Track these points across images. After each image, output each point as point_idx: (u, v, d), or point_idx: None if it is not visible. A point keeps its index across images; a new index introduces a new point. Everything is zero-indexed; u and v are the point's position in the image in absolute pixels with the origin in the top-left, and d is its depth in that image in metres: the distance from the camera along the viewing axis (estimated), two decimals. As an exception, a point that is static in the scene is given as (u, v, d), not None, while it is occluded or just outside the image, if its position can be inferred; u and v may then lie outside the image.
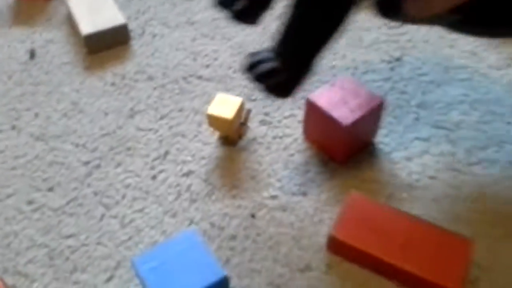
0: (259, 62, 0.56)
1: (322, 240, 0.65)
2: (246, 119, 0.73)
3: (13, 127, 0.75)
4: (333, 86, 0.72)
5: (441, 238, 0.62)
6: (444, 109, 0.78)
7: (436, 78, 0.82)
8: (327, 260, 0.63)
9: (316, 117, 0.71)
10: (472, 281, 0.60)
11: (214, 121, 0.71)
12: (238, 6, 0.51)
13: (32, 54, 0.85)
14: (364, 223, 0.63)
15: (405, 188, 0.70)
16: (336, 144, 0.71)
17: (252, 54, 0.58)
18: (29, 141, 0.74)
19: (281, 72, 0.54)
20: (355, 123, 0.68)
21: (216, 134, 0.74)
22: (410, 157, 0.73)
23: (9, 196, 0.68)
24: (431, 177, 0.70)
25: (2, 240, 0.64)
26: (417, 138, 0.75)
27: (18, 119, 0.76)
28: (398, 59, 0.85)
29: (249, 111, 0.74)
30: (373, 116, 0.71)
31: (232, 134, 0.73)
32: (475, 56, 0.85)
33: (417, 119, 0.77)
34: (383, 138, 0.75)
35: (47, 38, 0.87)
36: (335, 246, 0.63)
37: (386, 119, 0.77)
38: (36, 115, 0.77)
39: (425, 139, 0.74)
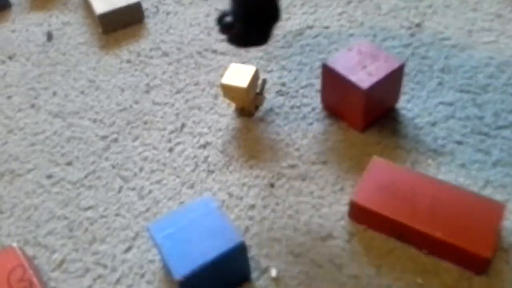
0: (223, 16, 0.63)
1: (344, 208, 0.63)
2: (262, 89, 0.72)
3: (32, 106, 0.76)
4: (350, 51, 0.70)
5: (471, 203, 0.59)
6: (469, 73, 0.75)
7: (460, 42, 0.79)
8: (349, 228, 0.61)
9: (334, 83, 0.69)
10: (506, 248, 0.57)
11: (229, 91, 0.69)
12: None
13: (50, 36, 0.85)
14: (388, 188, 0.61)
15: (430, 154, 0.67)
16: (355, 110, 0.69)
17: (222, 11, 0.64)
18: (47, 118, 0.74)
19: (235, 25, 0.60)
20: (374, 87, 0.65)
21: (232, 106, 0.73)
22: (435, 122, 0.70)
23: (29, 171, 0.68)
24: (458, 142, 0.67)
25: (22, 213, 0.64)
26: (441, 103, 0.72)
27: (37, 97, 0.77)
28: (418, 25, 0.82)
29: (264, 80, 0.72)
30: (393, 79, 0.68)
31: (248, 105, 0.71)
32: (500, 18, 0.81)
33: (440, 83, 0.74)
34: (406, 104, 0.72)
35: (64, 20, 0.88)
36: (357, 213, 0.61)
37: (408, 85, 0.74)
38: (54, 93, 0.77)
39: (450, 104, 0.71)
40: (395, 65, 0.67)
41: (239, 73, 0.69)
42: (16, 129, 0.73)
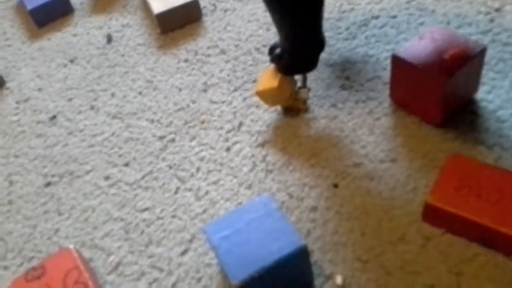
0: (274, 47, 0.68)
1: (418, 210, 0.56)
2: (304, 81, 0.68)
3: (92, 107, 0.76)
4: (423, 39, 0.63)
5: None
6: (561, 59, 0.66)
7: (548, 25, 0.70)
8: (424, 232, 0.55)
9: (405, 75, 0.63)
10: None
11: (266, 97, 0.66)
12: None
13: (109, 39, 0.85)
14: (469, 187, 0.54)
15: (517, 150, 0.59)
16: (430, 103, 0.62)
17: (273, 43, 0.69)
18: (106, 120, 0.74)
19: (283, 57, 0.65)
20: (454, 76, 0.59)
21: (279, 108, 0.69)
22: (521, 114, 0.62)
23: (87, 172, 0.68)
24: (549, 136, 0.59)
25: (80, 215, 0.63)
26: (527, 93, 0.64)
27: (96, 99, 0.77)
28: (498, 10, 0.74)
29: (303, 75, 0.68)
30: (474, 67, 0.61)
31: (292, 103, 0.67)
32: None
33: (526, 72, 0.66)
34: (486, 95, 0.65)
35: (123, 23, 0.88)
36: (433, 215, 0.55)
37: (488, 74, 0.67)
38: (113, 95, 0.77)
39: (538, 93, 0.63)
40: (475, 50, 0.60)
41: (268, 76, 0.66)
42: (76, 131, 0.73)
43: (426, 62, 0.61)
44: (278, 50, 0.66)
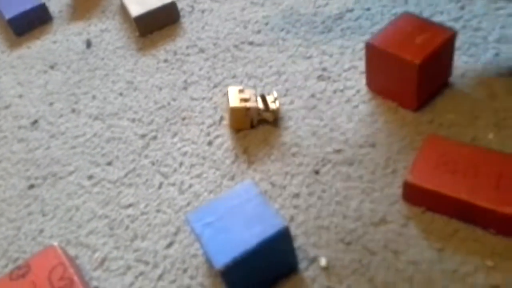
0: None
1: (397, 191, 0.57)
2: (266, 105, 0.66)
3: (73, 110, 0.76)
4: (394, 26, 0.65)
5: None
6: (529, 40, 0.68)
7: (516, 9, 0.72)
8: (405, 211, 0.56)
9: (380, 62, 0.64)
10: None
11: (235, 120, 0.66)
12: None
13: (88, 44, 0.86)
14: (446, 165, 0.55)
15: (491, 128, 0.60)
16: (406, 88, 0.63)
17: None
18: (87, 122, 0.74)
19: None
20: (427, 61, 0.60)
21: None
22: (495, 94, 0.63)
23: (70, 173, 0.68)
24: (522, 114, 0.61)
25: (64, 214, 0.63)
26: (500, 75, 0.65)
27: (77, 102, 0.77)
28: (468, -3, 0.76)
29: (263, 96, 0.66)
30: (445, 50, 0.63)
31: (263, 118, 0.66)
32: (562, -20, 0.74)
33: (497, 54, 0.68)
34: (460, 79, 0.66)
35: (102, 28, 0.88)
36: (413, 194, 0.56)
37: (461, 58, 0.68)
38: (94, 97, 0.77)
39: (511, 74, 0.65)
40: (447, 34, 0.62)
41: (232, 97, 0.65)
42: (57, 134, 0.73)
43: (399, 49, 0.62)
44: None
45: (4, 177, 0.70)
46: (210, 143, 0.67)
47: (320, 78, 0.71)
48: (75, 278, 0.53)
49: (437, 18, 0.74)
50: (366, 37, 0.74)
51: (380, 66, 0.65)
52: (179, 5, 0.87)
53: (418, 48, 0.61)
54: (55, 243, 0.57)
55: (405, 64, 0.61)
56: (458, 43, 0.67)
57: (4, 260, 0.60)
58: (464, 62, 0.68)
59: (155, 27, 0.84)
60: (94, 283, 0.56)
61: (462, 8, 0.75)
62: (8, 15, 0.90)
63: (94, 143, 0.71)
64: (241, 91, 0.67)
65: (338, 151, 0.63)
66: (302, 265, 0.53)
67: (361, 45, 0.73)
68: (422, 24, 0.64)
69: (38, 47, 0.88)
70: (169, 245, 0.58)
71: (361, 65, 0.70)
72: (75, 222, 0.62)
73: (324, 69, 0.72)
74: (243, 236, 0.49)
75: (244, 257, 0.48)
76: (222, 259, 0.48)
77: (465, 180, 0.53)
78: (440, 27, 0.63)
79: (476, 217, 0.52)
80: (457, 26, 0.72)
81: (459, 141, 0.59)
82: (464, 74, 0.67)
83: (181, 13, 0.86)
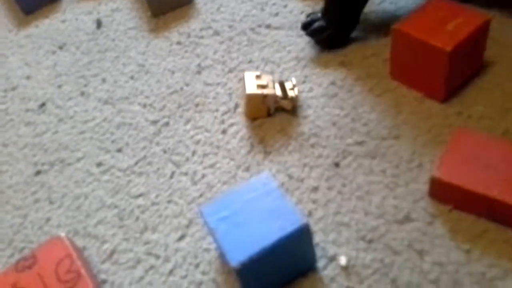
0: (312, 21, 0.69)
1: (423, 187, 0.54)
2: (284, 92, 0.63)
3: (82, 93, 0.73)
4: (423, 11, 0.61)
5: None
6: None
7: (553, -6, 0.68)
8: (431, 209, 0.53)
9: (407, 49, 0.61)
10: None
11: (251, 108, 0.63)
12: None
13: (99, 24, 0.83)
14: (476, 161, 0.51)
15: (525, 122, 0.57)
16: (434, 77, 0.60)
17: (307, 15, 0.71)
18: (97, 106, 0.71)
19: (326, 29, 0.68)
20: (458, 48, 0.56)
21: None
22: (527, 86, 0.60)
23: (78, 159, 0.65)
24: (558, 107, 0.57)
25: (72, 203, 0.61)
26: (534, 64, 0.62)
27: (86, 85, 0.74)
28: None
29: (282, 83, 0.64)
30: (479, 38, 0.59)
31: (281, 106, 0.63)
32: None
33: (531, 43, 0.64)
34: (491, 68, 0.62)
35: (113, 7, 0.85)
36: (440, 191, 0.53)
37: (492, 47, 0.64)
38: (104, 80, 0.74)
39: (545, 64, 0.61)
40: (480, 20, 0.58)
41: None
42: (66, 118, 0.71)
43: (428, 35, 0.58)
44: (317, 24, 0.67)
45: (10, 162, 0.67)
46: (224, 132, 0.64)
47: (341, 64, 0.67)
48: (83, 271, 0.51)
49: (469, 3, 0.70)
50: (390, 22, 0.70)
51: (407, 53, 0.61)
52: (193, -15, 0.83)
53: (449, 34, 0.57)
54: (62, 234, 0.55)
55: (435, 52, 0.57)
56: (490, 30, 0.63)
57: (10, 249, 0.58)
58: (496, 50, 0.64)
59: (168, 7, 0.81)
60: (102, 276, 0.54)
61: (494, -8, 0.70)
62: (16, -8, 0.87)
63: (103, 129, 0.68)
64: (258, 77, 0.63)
65: (360, 143, 0.59)
66: (320, 263, 0.50)
67: (385, 31, 0.69)
68: (453, 9, 0.60)
69: (47, 26, 0.85)
70: (181, 238, 0.55)
71: (384, 51, 0.67)
72: (83, 211, 0.60)
73: (345, 55, 0.68)
74: (260, 232, 0.46)
75: (261, 255, 0.45)
76: (237, 257, 0.45)
77: (496, 176, 0.50)
78: (473, 12, 0.59)
79: (508, 217, 0.49)
80: (490, 12, 0.68)
81: (490, 135, 0.55)
82: (496, 61, 0.63)
83: (195, -7, 0.83)
